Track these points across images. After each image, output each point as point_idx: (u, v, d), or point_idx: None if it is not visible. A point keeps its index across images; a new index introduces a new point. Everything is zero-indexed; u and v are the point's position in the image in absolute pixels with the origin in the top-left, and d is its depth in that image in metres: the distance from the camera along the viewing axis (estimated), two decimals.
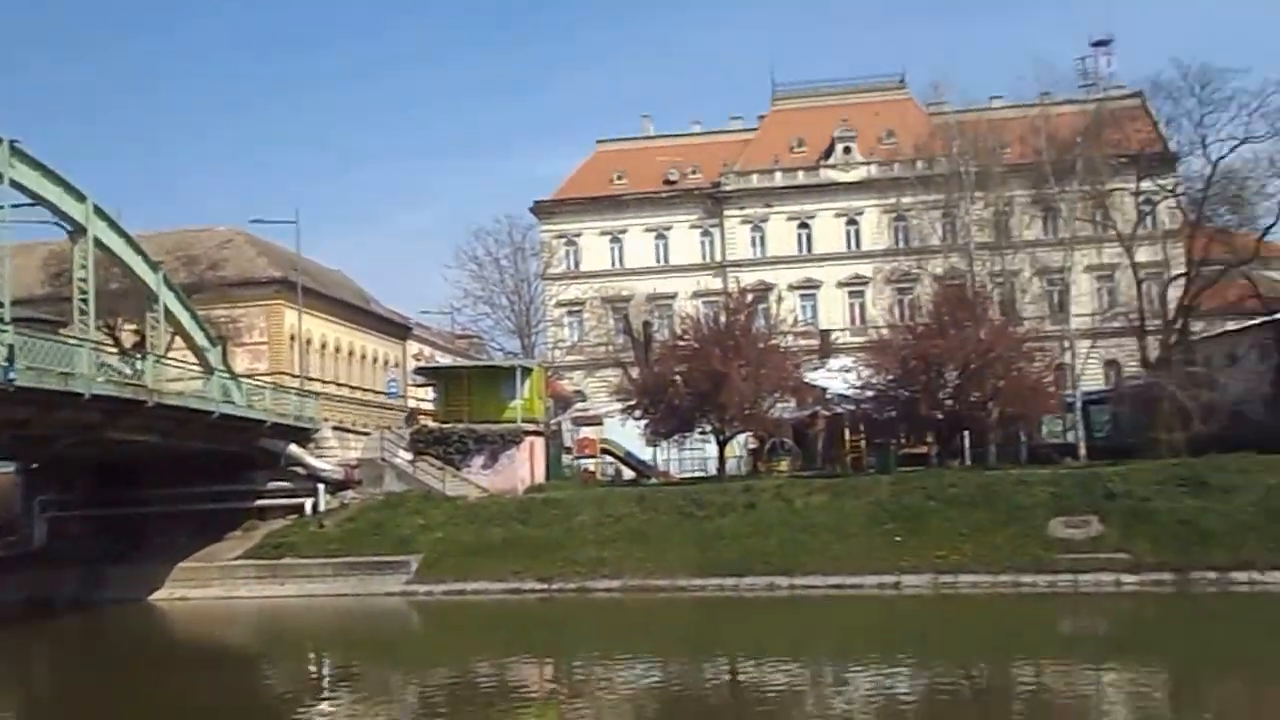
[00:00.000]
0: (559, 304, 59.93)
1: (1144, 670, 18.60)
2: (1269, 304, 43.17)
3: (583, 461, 42.89)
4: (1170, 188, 44.76)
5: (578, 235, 64.06)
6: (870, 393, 35.96)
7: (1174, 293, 43.61)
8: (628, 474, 42.57)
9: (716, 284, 60.09)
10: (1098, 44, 62.74)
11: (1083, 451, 37.79)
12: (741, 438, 40.07)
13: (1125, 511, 26.13)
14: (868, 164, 61.86)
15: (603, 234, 64.09)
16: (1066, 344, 42.60)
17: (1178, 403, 36.10)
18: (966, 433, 36.69)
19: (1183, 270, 43.05)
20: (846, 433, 38.40)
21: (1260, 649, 19.78)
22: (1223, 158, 41.18)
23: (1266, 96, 39.13)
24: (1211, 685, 17.64)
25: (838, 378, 38.99)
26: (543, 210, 63.77)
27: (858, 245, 61.16)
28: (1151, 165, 45.18)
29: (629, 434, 41.82)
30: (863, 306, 59.32)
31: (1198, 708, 16.32)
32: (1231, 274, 43.39)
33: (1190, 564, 24.38)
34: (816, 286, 61.43)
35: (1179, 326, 42.65)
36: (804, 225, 62.70)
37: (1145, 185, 44.44)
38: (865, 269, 58.65)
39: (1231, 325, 47.69)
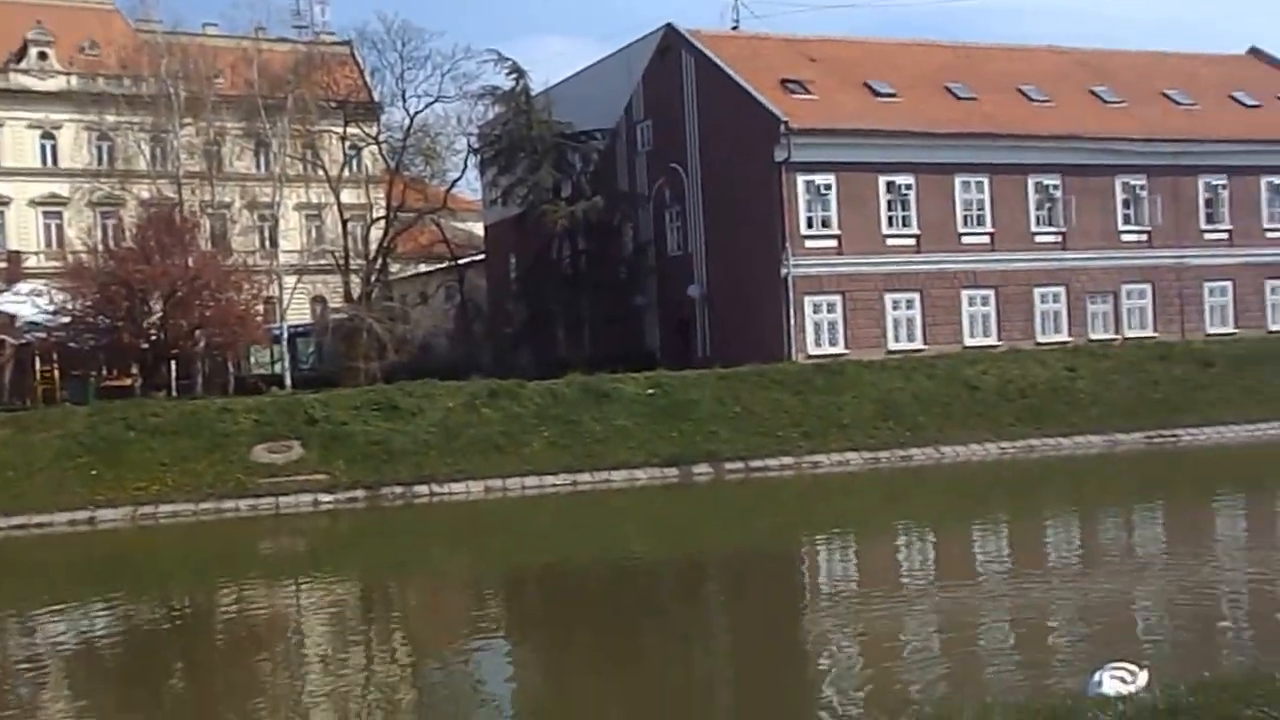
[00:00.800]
0: None
1: (337, 581, 20.12)
2: (455, 250, 49.08)
3: None
4: (374, 135, 48.19)
5: None
6: (66, 320, 33.35)
7: (376, 234, 47.16)
8: None
9: None
10: None
11: (289, 381, 39.16)
12: None
13: (325, 435, 27.67)
14: (67, 74, 56.20)
15: None
16: (275, 278, 43.54)
17: (376, 335, 39.36)
18: (174, 363, 35.84)
19: (383, 214, 46.67)
20: (38, 363, 35.22)
21: (425, 553, 22.84)
22: (419, 112, 45.53)
23: (457, 61, 44.12)
24: (397, 588, 19.74)
25: (28, 303, 35.45)
26: None
27: (55, 162, 55.49)
28: (357, 112, 48.18)
29: None
30: (60, 228, 54.08)
31: (385, 610, 18.16)
32: (425, 221, 48.43)
33: (381, 481, 26.73)
34: (5, 204, 54.68)
35: (379, 266, 46.39)
36: None
37: (352, 131, 47.23)
38: (63, 188, 53.32)
39: (424, 268, 53.23)
